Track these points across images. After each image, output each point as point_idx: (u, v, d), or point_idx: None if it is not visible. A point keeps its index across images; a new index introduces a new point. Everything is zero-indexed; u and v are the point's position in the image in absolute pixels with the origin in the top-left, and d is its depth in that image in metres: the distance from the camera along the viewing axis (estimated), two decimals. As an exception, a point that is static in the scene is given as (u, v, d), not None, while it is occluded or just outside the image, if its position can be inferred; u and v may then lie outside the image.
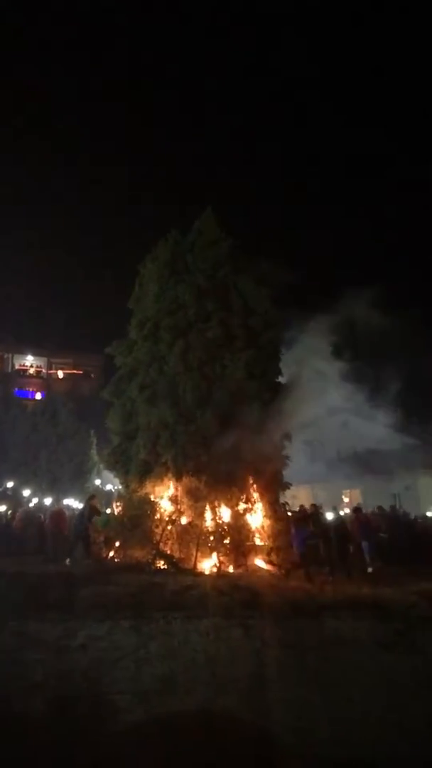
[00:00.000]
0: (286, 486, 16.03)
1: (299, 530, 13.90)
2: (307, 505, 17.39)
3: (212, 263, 16.02)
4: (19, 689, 8.11)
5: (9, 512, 21.02)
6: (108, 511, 17.11)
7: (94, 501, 16.02)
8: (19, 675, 8.28)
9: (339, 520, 16.05)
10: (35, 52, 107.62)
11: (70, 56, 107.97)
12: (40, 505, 25.84)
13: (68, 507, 24.63)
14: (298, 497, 17.43)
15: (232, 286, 15.91)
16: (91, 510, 15.16)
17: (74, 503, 28.42)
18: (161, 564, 13.79)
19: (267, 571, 13.69)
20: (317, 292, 16.27)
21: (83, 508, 15.70)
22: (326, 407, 15.02)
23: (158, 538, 14.26)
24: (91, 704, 8.09)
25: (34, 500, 28.87)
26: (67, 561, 14.09)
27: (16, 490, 34.11)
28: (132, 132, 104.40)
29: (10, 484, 35.06)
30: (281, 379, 16.04)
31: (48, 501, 27.30)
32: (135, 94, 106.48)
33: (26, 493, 33.04)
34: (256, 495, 15.21)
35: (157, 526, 14.51)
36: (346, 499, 26.74)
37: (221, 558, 13.82)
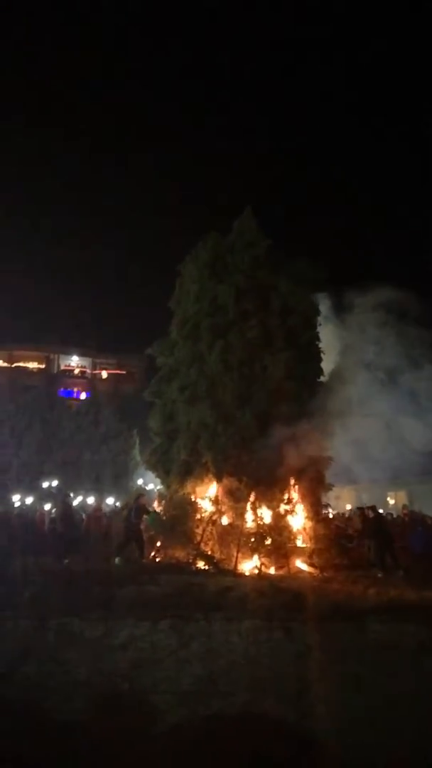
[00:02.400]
0: (329, 487, 15.85)
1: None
2: (350, 507, 17.19)
3: (251, 264, 15.96)
4: (61, 687, 8.24)
5: (53, 510, 21.38)
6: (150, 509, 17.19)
7: (143, 500, 16.02)
8: (61, 673, 8.41)
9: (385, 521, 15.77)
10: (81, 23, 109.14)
11: (118, 38, 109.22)
12: (82, 504, 26.21)
13: (107, 506, 24.91)
14: (341, 498, 17.22)
15: (272, 286, 15.83)
16: (140, 509, 15.12)
17: (112, 502, 28.75)
18: (202, 564, 13.78)
19: (309, 573, 13.55)
20: (359, 283, 15.90)
21: (132, 507, 15.61)
22: (371, 405, 14.71)
23: (199, 538, 14.26)
24: (132, 704, 8.17)
25: (78, 499, 29.30)
26: (117, 560, 14.11)
27: (60, 489, 34.71)
28: (183, 131, 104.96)
29: (54, 483, 35.69)
30: (322, 379, 15.87)
31: (90, 500, 27.66)
32: (188, 91, 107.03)
33: (71, 493, 33.57)
34: (297, 496, 15.08)
35: (197, 527, 14.51)
36: (391, 501, 26.33)
37: (262, 559, 13.73)
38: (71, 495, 30.57)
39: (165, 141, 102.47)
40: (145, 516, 15.04)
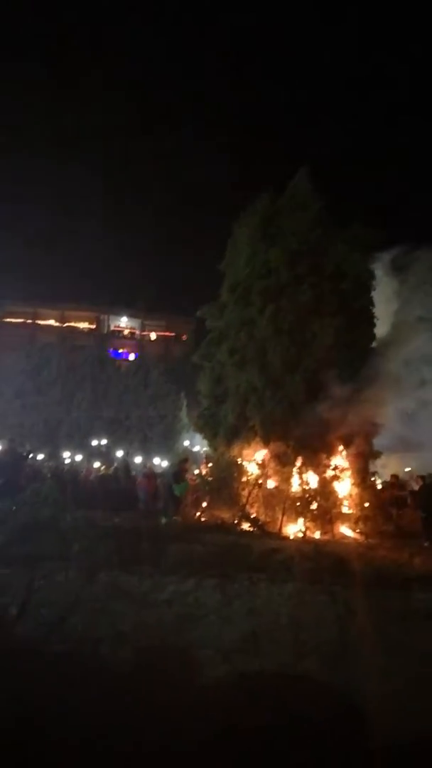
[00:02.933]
0: (377, 454, 15.70)
1: None
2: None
3: (305, 226, 15.59)
4: (106, 639, 8.50)
5: (102, 468, 21.88)
6: (196, 472, 17.42)
7: (185, 465, 16.34)
8: (107, 624, 8.67)
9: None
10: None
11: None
12: (131, 464, 26.69)
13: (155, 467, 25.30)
14: (388, 467, 17.03)
15: (325, 249, 15.48)
16: (181, 473, 15.48)
17: (158, 462, 29.17)
18: (246, 526, 13.93)
19: (354, 539, 13.55)
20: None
21: (175, 470, 16.06)
22: (423, 372, 14.43)
23: (244, 500, 14.40)
24: (175, 658, 8.38)
25: (125, 458, 29.86)
26: (163, 520, 14.45)
27: (109, 448, 35.41)
28: (234, 93, 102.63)
29: (103, 441, 36.40)
30: (374, 344, 15.59)
31: (138, 459, 28.14)
32: (244, 65, 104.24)
33: (119, 453, 34.26)
34: (344, 462, 15.01)
35: (243, 489, 14.63)
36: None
37: (307, 524, 13.79)
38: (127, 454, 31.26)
39: (219, 97, 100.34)
40: (173, 485, 15.18)
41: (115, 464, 21.15)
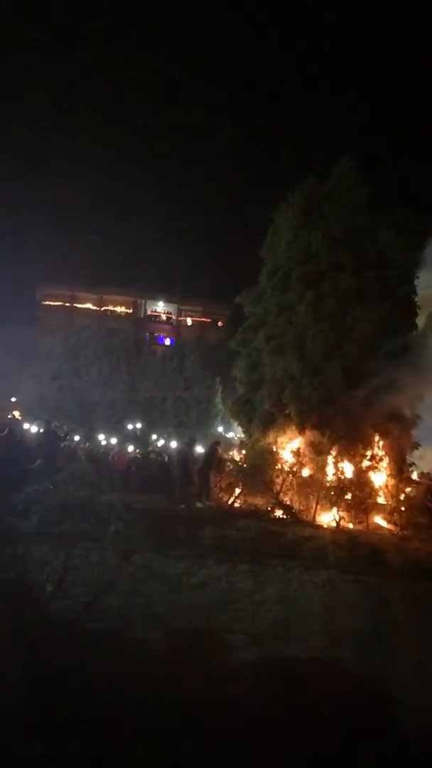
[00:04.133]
0: (415, 446, 15.47)
1: None
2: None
3: (348, 211, 15.30)
4: (140, 619, 8.60)
5: (138, 451, 22.07)
6: (230, 456, 17.46)
7: (217, 446, 16.38)
8: (141, 605, 8.77)
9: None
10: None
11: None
12: (165, 448, 26.86)
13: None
14: (425, 459, 16.78)
15: (369, 235, 15.20)
16: (213, 456, 15.54)
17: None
18: (280, 513, 13.91)
19: (388, 530, 13.42)
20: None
21: (207, 453, 16.09)
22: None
23: (278, 488, 14.36)
24: (207, 640, 8.45)
25: (160, 443, 30.06)
26: (198, 504, 14.54)
27: (143, 432, 35.69)
28: (272, 77, 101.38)
29: (138, 425, 36.70)
30: (416, 334, 15.29)
31: (173, 444, 28.28)
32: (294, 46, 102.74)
33: (153, 435, 34.50)
34: (381, 453, 14.83)
35: (277, 476, 14.59)
36: None
37: (341, 513, 13.69)
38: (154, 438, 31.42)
39: (264, 83, 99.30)
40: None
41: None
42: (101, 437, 32.36)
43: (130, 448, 24.60)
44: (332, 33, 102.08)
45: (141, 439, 33.69)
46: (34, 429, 23.71)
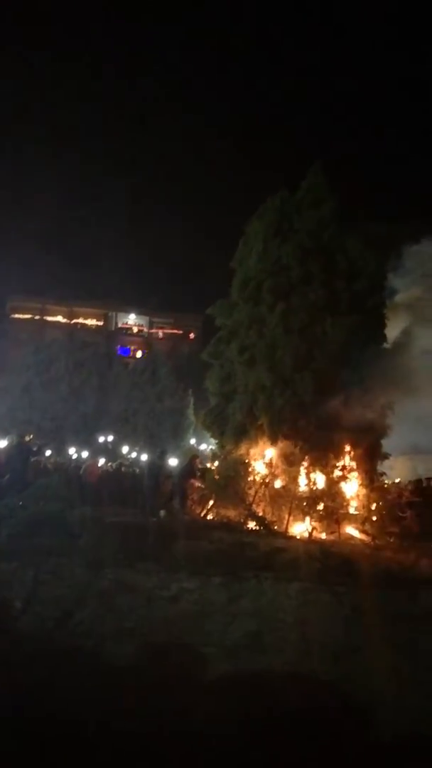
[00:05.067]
0: (385, 456, 15.61)
1: None
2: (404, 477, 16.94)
3: (318, 223, 15.48)
4: (112, 634, 8.48)
5: (110, 464, 21.85)
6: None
7: (196, 461, 16.40)
8: (113, 620, 8.65)
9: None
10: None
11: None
12: (137, 460, 26.63)
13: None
14: (395, 468, 16.94)
15: (338, 247, 15.38)
16: (192, 469, 15.56)
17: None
18: (253, 525, 13.88)
19: (360, 540, 13.49)
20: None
21: (185, 466, 16.08)
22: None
23: (251, 499, 14.34)
24: (180, 654, 8.36)
25: (132, 455, 29.80)
26: (162, 513, 14.49)
27: (115, 445, 35.35)
28: (240, 92, 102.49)
29: (110, 438, 36.36)
30: (386, 345, 15.48)
31: (144, 457, 28.05)
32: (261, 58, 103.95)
33: (125, 448, 34.20)
34: (352, 463, 14.92)
35: (250, 488, 14.58)
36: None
37: (313, 524, 13.72)
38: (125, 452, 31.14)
39: (230, 99, 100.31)
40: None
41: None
42: (72, 450, 31.98)
43: (102, 462, 24.34)
44: (301, 48, 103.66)
45: (112, 452, 33.38)
46: (3, 443, 23.33)
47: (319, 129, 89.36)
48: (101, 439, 36.49)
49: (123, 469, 21.92)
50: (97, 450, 33.42)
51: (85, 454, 30.58)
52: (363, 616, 8.87)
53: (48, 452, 27.49)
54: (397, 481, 16.09)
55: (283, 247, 15.31)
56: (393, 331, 16.01)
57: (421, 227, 15.85)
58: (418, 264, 16.17)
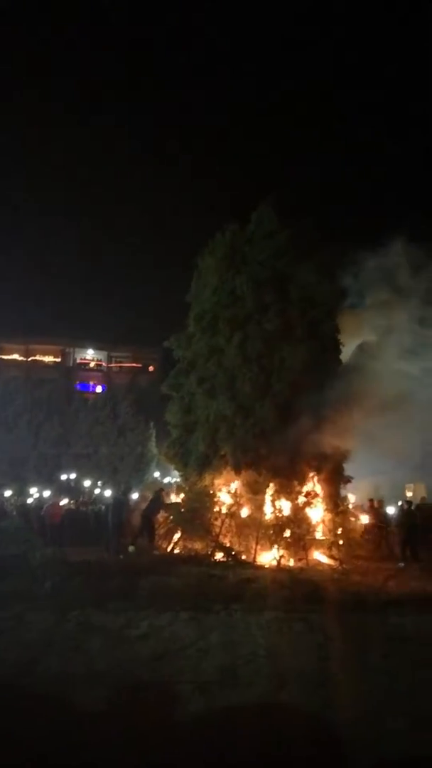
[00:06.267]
0: (348, 479, 15.78)
1: None
2: (366, 500, 17.15)
3: (270, 254, 15.84)
4: (82, 677, 8.26)
5: (72, 502, 21.50)
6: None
7: (164, 494, 16.28)
8: (82, 663, 8.42)
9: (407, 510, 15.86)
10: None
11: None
12: (100, 497, 26.31)
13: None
14: (359, 490, 17.13)
15: (291, 277, 15.72)
16: (160, 503, 15.46)
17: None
18: (220, 556, 13.80)
19: (328, 565, 13.53)
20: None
21: (153, 500, 15.93)
22: (390, 396, 14.60)
23: (218, 530, 14.29)
24: (152, 694, 8.17)
25: (96, 492, 29.43)
26: (131, 548, 14.31)
27: (77, 482, 34.86)
28: (191, 123, 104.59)
29: (72, 476, 35.87)
30: (342, 370, 15.77)
31: (108, 493, 27.73)
32: (211, 86, 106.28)
33: (87, 483, 33.74)
34: (316, 488, 15.04)
35: (216, 519, 14.54)
36: (409, 494, 26.14)
37: (281, 551, 13.72)
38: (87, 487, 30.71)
39: (181, 133, 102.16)
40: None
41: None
42: (34, 490, 31.39)
43: (64, 501, 23.95)
44: (253, 76, 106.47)
45: (75, 489, 32.90)
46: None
47: (273, 163, 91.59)
48: (63, 476, 35.98)
49: (87, 507, 21.63)
50: (60, 488, 32.90)
51: (47, 493, 30.06)
52: (334, 642, 8.85)
53: (8, 493, 26.97)
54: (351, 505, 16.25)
55: (237, 278, 15.58)
56: (348, 352, 16.37)
57: (369, 249, 16.36)
58: (367, 285, 16.63)
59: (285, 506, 14.60)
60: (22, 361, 58.48)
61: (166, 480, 31.14)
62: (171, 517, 15.48)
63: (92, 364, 61.44)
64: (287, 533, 14.01)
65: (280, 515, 14.33)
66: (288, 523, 14.17)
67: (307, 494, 14.71)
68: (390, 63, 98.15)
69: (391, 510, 16.30)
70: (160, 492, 16.37)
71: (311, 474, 15.09)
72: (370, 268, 16.90)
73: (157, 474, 36.58)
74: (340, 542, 14.06)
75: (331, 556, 13.88)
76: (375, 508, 16.46)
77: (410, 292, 16.47)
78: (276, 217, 16.35)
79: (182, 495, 16.35)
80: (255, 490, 14.58)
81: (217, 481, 15.43)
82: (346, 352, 16.26)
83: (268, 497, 14.63)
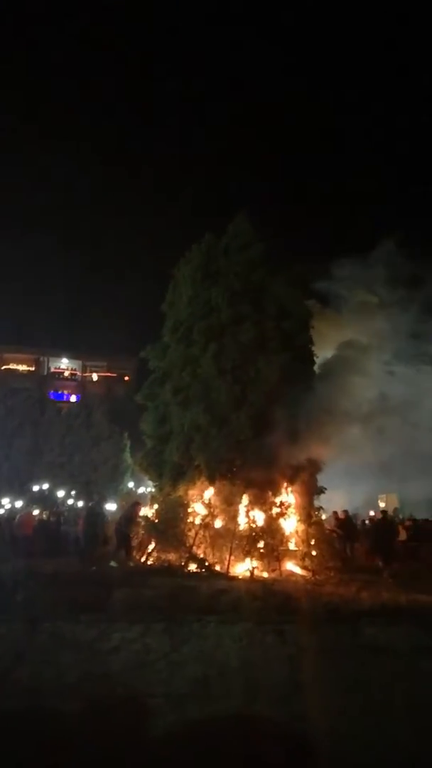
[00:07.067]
0: (321, 490, 15.87)
1: None
2: (339, 510, 17.28)
3: (246, 266, 15.94)
4: (53, 690, 8.16)
5: (45, 513, 21.29)
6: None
7: (138, 508, 16.14)
8: (53, 677, 8.33)
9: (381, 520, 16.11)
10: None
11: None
12: (73, 507, 26.13)
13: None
14: (333, 501, 17.24)
15: (267, 288, 15.84)
16: (134, 516, 15.36)
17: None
18: (194, 567, 13.76)
19: (301, 576, 13.56)
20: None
21: (126, 513, 15.83)
22: (362, 407, 14.77)
23: (191, 541, 14.24)
24: (124, 706, 8.11)
25: (69, 502, 29.21)
26: (112, 563, 14.24)
27: (51, 492, 34.58)
28: (166, 134, 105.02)
29: (45, 486, 35.54)
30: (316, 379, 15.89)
31: (81, 503, 27.56)
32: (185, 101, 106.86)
33: (60, 494, 33.49)
34: (290, 499, 15.09)
35: (189, 530, 14.48)
36: (382, 504, 26.37)
37: (255, 562, 13.73)
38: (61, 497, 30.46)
39: (159, 143, 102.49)
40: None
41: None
42: (6, 501, 31.06)
43: (36, 511, 23.71)
44: (232, 89, 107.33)
45: (48, 499, 32.60)
46: None
47: (247, 174, 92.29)
48: (36, 487, 35.64)
49: (59, 518, 21.44)
50: (33, 498, 32.59)
51: (19, 503, 29.76)
52: (308, 653, 8.87)
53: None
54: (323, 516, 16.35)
55: (213, 289, 15.65)
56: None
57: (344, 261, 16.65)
58: (341, 295, 16.91)
59: (259, 517, 14.61)
60: (-6, 370, 57.86)
61: (141, 490, 31.03)
62: (143, 528, 15.38)
63: (66, 374, 61.01)
64: (261, 544, 14.02)
65: (254, 526, 14.34)
66: (262, 534, 14.17)
67: (281, 505, 14.75)
68: (374, 76, 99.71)
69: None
70: (134, 506, 16.26)
71: (285, 485, 15.14)
72: (344, 278, 17.16)
73: (131, 484, 36.45)
74: (313, 553, 14.10)
75: (304, 567, 13.91)
76: (339, 519, 16.70)
77: (386, 301, 16.76)
78: (251, 229, 16.50)
79: (156, 506, 16.27)
80: (229, 501, 14.56)
81: (191, 492, 15.37)
82: (321, 362, 16.39)
83: (242, 508, 14.63)
